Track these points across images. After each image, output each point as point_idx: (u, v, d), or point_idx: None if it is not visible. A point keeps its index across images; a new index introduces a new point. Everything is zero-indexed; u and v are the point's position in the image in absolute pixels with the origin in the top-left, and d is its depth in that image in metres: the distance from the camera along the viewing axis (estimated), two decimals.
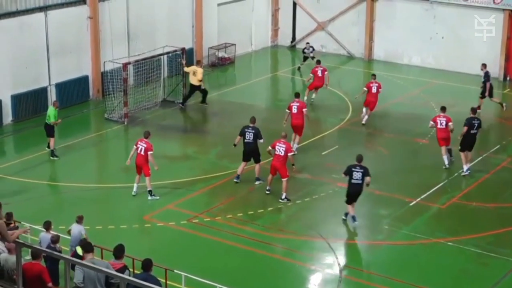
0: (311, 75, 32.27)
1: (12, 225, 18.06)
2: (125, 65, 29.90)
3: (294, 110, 26.49)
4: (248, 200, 23.59)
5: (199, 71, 31.60)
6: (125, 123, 29.76)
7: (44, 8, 30.39)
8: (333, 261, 20.12)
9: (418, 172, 26.04)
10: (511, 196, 24.09)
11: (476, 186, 24.72)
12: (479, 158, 26.78)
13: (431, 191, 24.05)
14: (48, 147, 26.39)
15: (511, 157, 27.24)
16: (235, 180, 24.38)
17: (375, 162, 26.76)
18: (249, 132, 24.27)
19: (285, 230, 21.68)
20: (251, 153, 24.33)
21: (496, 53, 36.35)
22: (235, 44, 38.89)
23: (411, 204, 23.34)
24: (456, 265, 20.15)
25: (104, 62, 31.54)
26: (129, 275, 15.34)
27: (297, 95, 27.70)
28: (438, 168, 25.98)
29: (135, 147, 23.45)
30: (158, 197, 23.21)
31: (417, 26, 38.06)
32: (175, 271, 17.61)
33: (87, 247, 14.93)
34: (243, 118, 29.74)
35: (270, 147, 23.60)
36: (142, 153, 23.11)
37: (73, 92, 31.57)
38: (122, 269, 15.07)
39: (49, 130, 26.24)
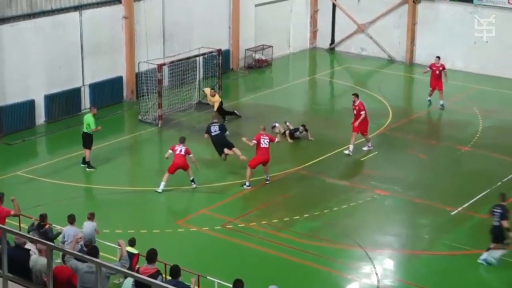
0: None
1: (46, 226, 18.23)
2: (160, 66, 30.01)
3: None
4: (284, 206, 23.53)
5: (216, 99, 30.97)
6: (159, 125, 29.86)
7: (79, 7, 30.62)
8: (371, 271, 19.96)
9: (460, 180, 25.79)
10: None
11: None
12: None
13: (473, 200, 23.77)
14: (84, 162, 25.77)
15: None
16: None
17: (415, 170, 26.63)
18: (214, 126, 25.97)
19: (322, 237, 21.57)
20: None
21: None
22: (272, 46, 38.87)
23: (452, 213, 23.10)
24: (500, 277, 19.87)
25: (139, 63, 31.68)
26: (162, 281, 15.35)
27: (356, 95, 27.89)
28: (480, 176, 25.72)
29: (170, 151, 23.98)
30: (195, 186, 24.21)
31: (461, 30, 37.74)
32: (208, 277, 17.60)
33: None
34: (279, 122, 29.75)
35: (254, 141, 24.62)
36: (182, 153, 23.97)
37: (106, 93, 31.76)
38: (155, 275, 15.08)
39: (88, 141, 25.58)
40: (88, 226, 18.70)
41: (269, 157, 24.68)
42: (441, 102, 31.86)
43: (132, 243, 17.75)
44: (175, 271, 14.99)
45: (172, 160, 24.06)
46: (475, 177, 25.90)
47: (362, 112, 27.13)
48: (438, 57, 32.34)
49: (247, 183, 24.51)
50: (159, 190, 23.86)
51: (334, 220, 22.66)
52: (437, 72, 31.95)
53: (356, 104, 27.34)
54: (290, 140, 28.45)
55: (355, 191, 24.60)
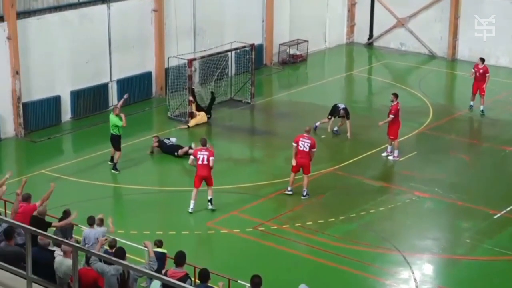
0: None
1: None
2: (190, 61, 30.14)
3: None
4: (318, 208, 23.54)
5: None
6: (190, 123, 29.95)
7: (106, 0, 30.85)
8: (409, 276, 19.93)
9: (504, 182, 25.65)
10: None
11: None
12: None
13: None
14: (112, 160, 25.87)
15: None
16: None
17: (456, 171, 26.53)
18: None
19: (358, 241, 21.56)
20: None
21: None
22: (307, 41, 38.85)
23: (495, 217, 22.97)
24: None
25: (168, 58, 31.84)
26: (191, 285, 15.44)
27: (395, 95, 27.59)
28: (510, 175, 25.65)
29: (192, 157, 22.98)
30: (212, 207, 22.98)
31: (506, 24, 37.44)
32: (239, 281, 17.67)
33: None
34: (314, 120, 29.75)
35: (293, 143, 23.75)
36: (206, 162, 22.53)
37: (135, 89, 31.95)
38: (184, 278, 15.17)
39: (116, 142, 25.52)
40: (96, 232, 18.13)
41: (307, 162, 23.66)
42: (481, 107, 31.04)
43: (159, 243, 17.86)
44: (203, 275, 15.08)
45: (195, 171, 22.91)
46: None
47: (391, 116, 26.89)
48: (482, 59, 31.77)
49: (289, 188, 24.20)
50: (190, 210, 22.76)
51: (371, 223, 22.65)
52: (478, 74, 31.33)
53: (393, 104, 27.16)
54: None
55: (393, 193, 24.56)
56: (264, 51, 37.37)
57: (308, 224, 22.32)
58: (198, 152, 22.69)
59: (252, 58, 32.59)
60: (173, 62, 31.45)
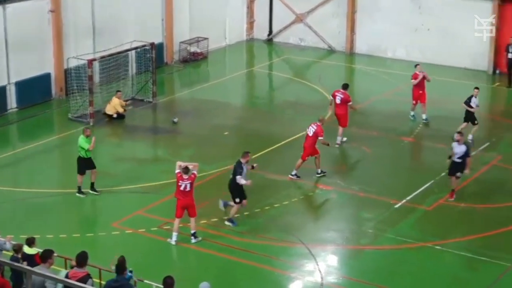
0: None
1: None
2: (90, 62, 29.73)
3: (338, 101, 27.66)
4: None
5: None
6: (91, 123, 29.53)
7: (2, 1, 30.15)
8: (314, 268, 20.10)
9: (404, 172, 26.15)
10: (501, 197, 24.18)
11: (465, 185, 24.77)
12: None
13: (417, 192, 24.09)
14: (92, 187, 23.89)
15: (502, 155, 27.31)
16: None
17: (358, 162, 26.90)
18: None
19: (263, 235, 21.62)
20: None
21: (485, 45, 36.49)
22: (208, 38, 38.80)
23: (396, 206, 23.37)
24: (445, 270, 20.19)
25: (68, 59, 31.34)
26: (92, 285, 15.25)
27: (344, 86, 28.15)
28: (424, 168, 26.14)
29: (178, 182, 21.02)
30: (200, 239, 21.48)
31: (402, 18, 38.17)
32: (145, 281, 17.52)
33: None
34: (217, 117, 29.81)
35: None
36: (188, 189, 20.83)
37: (34, 90, 31.29)
38: (85, 278, 14.94)
39: (89, 164, 23.76)
40: None
41: (308, 146, 24.95)
42: (424, 116, 30.05)
43: (29, 242, 17.42)
44: (120, 266, 15.10)
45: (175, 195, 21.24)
46: (418, 168, 26.31)
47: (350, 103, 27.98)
48: (418, 65, 30.65)
49: (293, 172, 25.06)
50: (172, 242, 21.09)
51: (276, 217, 22.75)
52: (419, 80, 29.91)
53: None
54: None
55: (296, 187, 24.74)
56: (164, 49, 37.16)
57: (213, 220, 22.28)
58: (180, 181, 20.86)
59: (153, 57, 32.36)
60: (73, 63, 30.96)
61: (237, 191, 21.82)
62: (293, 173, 25.12)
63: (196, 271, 20.07)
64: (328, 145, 25.64)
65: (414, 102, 30.07)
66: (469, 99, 27.96)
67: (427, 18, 37.63)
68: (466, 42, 36.75)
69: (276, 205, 23.36)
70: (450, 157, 23.45)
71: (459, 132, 24.09)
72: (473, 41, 36.45)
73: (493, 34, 36.13)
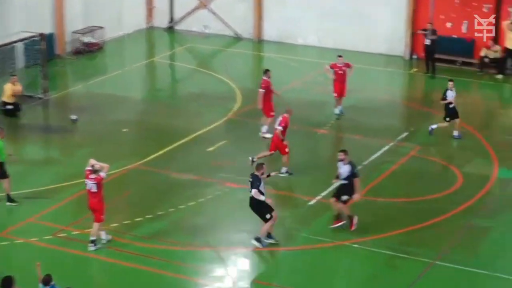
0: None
1: None
2: None
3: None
4: (123, 207, 23.29)
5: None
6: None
7: None
8: (224, 273, 20.08)
9: (318, 166, 26.29)
10: (421, 189, 24.58)
11: (383, 179, 25.12)
12: (386, 148, 27.27)
13: (332, 187, 24.26)
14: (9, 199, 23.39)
15: (421, 145, 27.77)
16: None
17: (269, 158, 26.95)
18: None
19: (167, 239, 21.49)
20: None
21: (401, 30, 37.05)
22: (103, 28, 38.41)
23: (311, 203, 23.53)
24: (365, 269, 20.42)
25: None
26: None
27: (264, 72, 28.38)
28: (321, 159, 26.37)
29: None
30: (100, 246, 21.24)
31: (313, 2, 38.43)
32: None
33: None
34: (115, 112, 29.54)
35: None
36: (94, 190, 20.63)
37: None
38: None
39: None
40: None
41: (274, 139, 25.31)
42: (339, 108, 30.03)
43: None
44: (6, 283, 14.86)
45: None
46: (333, 162, 26.37)
47: (261, 90, 27.89)
48: (340, 56, 30.38)
49: (283, 170, 25.08)
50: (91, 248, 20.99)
51: (181, 220, 22.65)
52: (340, 72, 29.82)
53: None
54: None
55: (203, 186, 24.65)
56: (55, 40, 36.59)
57: (113, 226, 22.03)
58: (86, 179, 20.72)
59: (42, 48, 31.84)
60: None
61: (262, 207, 21.06)
62: (283, 170, 25.11)
63: (96, 281, 19.84)
64: (282, 140, 25.37)
65: (335, 95, 30.08)
66: (445, 93, 28.07)
67: (340, 2, 37.95)
68: (381, 26, 37.27)
69: (181, 207, 23.25)
70: (337, 177, 21.99)
71: (343, 151, 21.98)
72: (389, 25, 37.01)
73: (410, 18, 36.76)
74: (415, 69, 36.11)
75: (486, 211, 23.38)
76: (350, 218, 21.82)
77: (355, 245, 21.18)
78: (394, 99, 32.47)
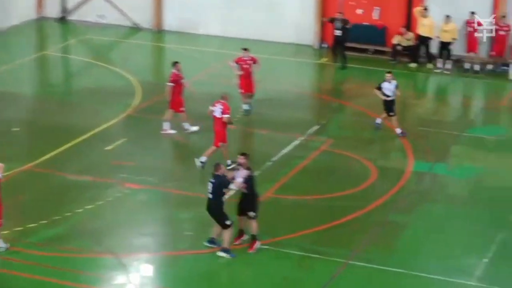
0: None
1: None
2: None
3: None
4: (14, 213, 22.75)
5: None
6: None
7: None
8: (126, 280, 19.99)
9: (224, 163, 26.28)
10: (333, 185, 24.88)
11: (294, 175, 25.32)
12: (296, 142, 27.50)
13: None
14: None
15: (333, 138, 28.07)
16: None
17: (172, 156, 27.01)
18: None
19: (64, 246, 21.23)
20: None
21: (309, 17, 37.38)
22: None
23: None
24: (275, 272, 20.46)
25: None
26: None
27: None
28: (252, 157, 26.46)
29: None
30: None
31: None
32: None
33: None
34: (3, 111, 29.22)
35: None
36: None
37: None
38: None
39: None
40: None
41: (217, 128, 25.53)
42: (247, 105, 30.04)
43: None
44: None
45: None
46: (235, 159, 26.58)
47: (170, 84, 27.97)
48: (246, 49, 30.12)
49: (202, 159, 25.36)
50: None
51: (79, 224, 22.44)
52: (246, 66, 29.65)
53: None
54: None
55: (101, 187, 24.48)
56: None
57: (4, 233, 21.67)
58: None
59: None
60: None
61: (221, 212, 20.75)
62: (203, 159, 25.28)
63: None
64: (231, 123, 25.78)
65: (242, 91, 30.04)
66: (380, 85, 28.22)
67: None
68: (289, 14, 37.54)
69: (78, 210, 23.03)
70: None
71: (243, 154, 21.43)
72: (297, 13, 37.31)
73: (319, 5, 37.13)
74: (325, 59, 36.50)
75: (402, 206, 23.79)
76: (254, 239, 21.27)
77: (265, 246, 21.25)
78: (303, 91, 32.72)
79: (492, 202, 24.07)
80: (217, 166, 20.97)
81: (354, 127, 29.25)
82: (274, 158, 26.09)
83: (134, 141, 27.67)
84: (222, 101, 25.57)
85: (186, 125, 28.13)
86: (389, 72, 28.45)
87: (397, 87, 28.12)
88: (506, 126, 30.68)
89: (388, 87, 28.01)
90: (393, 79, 28.18)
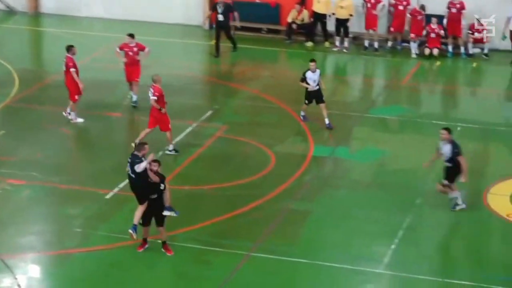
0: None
1: None
2: None
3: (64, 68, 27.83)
4: None
5: None
6: None
7: None
8: (12, 283, 19.73)
9: (114, 154, 26.21)
10: (231, 173, 25.00)
11: (188, 164, 25.35)
12: (189, 129, 27.55)
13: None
14: None
15: (227, 124, 28.19)
16: None
17: (56, 148, 26.73)
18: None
19: None
20: None
21: None
22: None
23: (107, 197, 23.46)
24: (173, 267, 20.53)
25: None
26: None
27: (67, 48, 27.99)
28: (118, 147, 26.59)
29: None
30: None
31: None
32: None
33: None
34: None
35: None
36: None
37: None
38: None
39: None
40: None
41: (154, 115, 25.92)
42: (134, 98, 29.55)
43: None
44: None
45: None
46: (131, 149, 26.52)
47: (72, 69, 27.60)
48: (131, 35, 29.51)
49: (170, 147, 25.88)
50: None
51: None
52: (131, 53, 29.21)
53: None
54: None
55: None
56: None
57: None
58: None
59: None
60: None
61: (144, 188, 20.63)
62: (170, 148, 25.79)
63: None
64: (160, 110, 25.64)
65: (127, 80, 29.73)
66: (304, 74, 27.99)
67: None
68: None
69: None
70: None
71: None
72: None
73: None
74: (215, 40, 36.54)
75: (303, 193, 24.03)
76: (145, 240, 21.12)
77: (160, 241, 21.20)
78: (194, 75, 32.72)
79: (396, 185, 24.51)
80: (140, 145, 20.96)
81: (250, 111, 29.41)
82: (168, 147, 26.05)
83: (14, 133, 27.30)
84: (154, 84, 25.73)
85: (72, 115, 27.85)
86: (312, 61, 28.20)
87: (320, 75, 28.17)
88: (409, 105, 31.22)
89: (312, 76, 27.97)
90: (316, 68, 28.13)
